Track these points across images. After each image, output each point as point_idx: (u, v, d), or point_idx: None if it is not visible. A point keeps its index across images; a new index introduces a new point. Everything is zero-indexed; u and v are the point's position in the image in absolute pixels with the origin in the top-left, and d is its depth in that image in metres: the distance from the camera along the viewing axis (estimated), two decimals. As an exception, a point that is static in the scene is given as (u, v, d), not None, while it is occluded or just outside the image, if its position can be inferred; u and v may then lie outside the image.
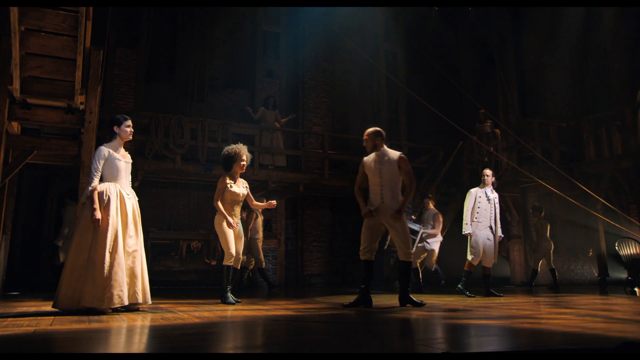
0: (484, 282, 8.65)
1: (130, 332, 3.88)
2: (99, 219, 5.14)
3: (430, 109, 11.25)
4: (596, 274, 12.45)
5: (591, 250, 12.93)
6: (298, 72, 15.30)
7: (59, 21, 7.86)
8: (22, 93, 8.18)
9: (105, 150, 5.49)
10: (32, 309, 5.81)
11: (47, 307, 6.05)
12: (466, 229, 8.66)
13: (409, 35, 15.50)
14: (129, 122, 5.75)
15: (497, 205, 8.78)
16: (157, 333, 3.81)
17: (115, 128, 5.64)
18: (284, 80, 15.17)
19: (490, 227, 8.61)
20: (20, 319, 4.74)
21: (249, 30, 14.94)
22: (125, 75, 12.89)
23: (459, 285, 8.66)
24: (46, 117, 8.80)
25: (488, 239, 8.58)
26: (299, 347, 3.22)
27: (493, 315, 5.49)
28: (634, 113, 10.93)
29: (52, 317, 4.73)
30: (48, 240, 12.11)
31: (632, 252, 10.96)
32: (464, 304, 6.87)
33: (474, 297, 8.22)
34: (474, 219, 8.62)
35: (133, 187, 11.75)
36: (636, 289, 10.43)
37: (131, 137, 5.76)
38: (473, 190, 8.75)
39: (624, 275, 11.35)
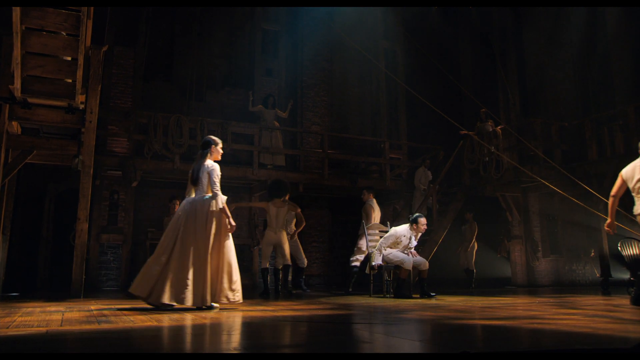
0: (420, 284, 8.70)
1: (143, 332, 3.81)
2: (234, 226, 6.07)
3: (431, 107, 11.21)
4: (598, 275, 12.43)
5: (593, 251, 12.90)
6: (297, 71, 15.22)
7: (60, 20, 7.80)
8: (23, 92, 8.11)
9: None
10: (38, 310, 5.74)
11: (51, 307, 6.00)
12: (376, 260, 8.77)
13: (408, 33, 15.45)
14: (221, 144, 6.45)
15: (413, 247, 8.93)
16: (170, 333, 3.76)
17: (213, 147, 6.29)
18: (283, 79, 15.08)
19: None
20: (28, 318, 4.72)
21: (247, 28, 14.85)
22: (123, 74, 12.78)
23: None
24: (47, 117, 8.74)
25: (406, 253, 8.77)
26: (314, 348, 3.18)
27: (500, 315, 5.46)
28: (637, 112, 10.90)
29: (60, 318, 4.68)
30: (47, 241, 12.02)
31: (634, 252, 10.91)
32: (468, 305, 6.82)
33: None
34: (387, 251, 8.74)
35: (131, 187, 11.76)
36: None
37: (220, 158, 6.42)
38: (400, 230, 8.77)
39: (626, 275, 11.31)
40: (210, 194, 6.06)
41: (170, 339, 3.59)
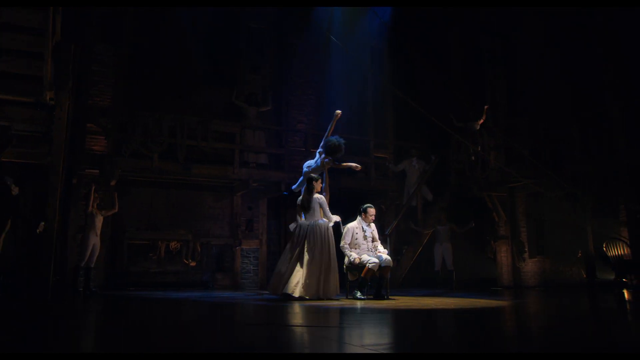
0: (379, 284, 8.39)
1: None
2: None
3: (415, 106, 11.01)
4: (584, 276, 12.27)
5: (580, 252, 12.69)
6: (283, 69, 15.01)
7: (27, 14, 7.63)
8: (-11, 88, 7.91)
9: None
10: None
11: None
12: (353, 257, 8.49)
13: (396, 31, 15.23)
14: (320, 180, 8.62)
15: (376, 235, 8.76)
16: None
17: (314, 183, 8.44)
18: (268, 76, 14.80)
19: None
20: None
21: (233, 25, 14.62)
22: (104, 72, 12.48)
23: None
24: (15, 114, 8.51)
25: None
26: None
27: (471, 317, 5.43)
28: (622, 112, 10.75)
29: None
30: (23, 242, 11.80)
31: (619, 253, 10.78)
32: (440, 306, 6.63)
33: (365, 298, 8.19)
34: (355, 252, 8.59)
35: (110, 185, 11.56)
36: (624, 291, 10.23)
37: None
38: (351, 225, 8.70)
39: (611, 276, 11.16)
40: (322, 218, 8.37)
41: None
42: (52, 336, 3.89)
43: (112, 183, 11.52)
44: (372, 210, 8.75)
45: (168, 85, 13.21)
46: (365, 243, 8.59)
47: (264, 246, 13.33)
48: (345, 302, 7.56)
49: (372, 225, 8.81)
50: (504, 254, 13.14)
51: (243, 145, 12.44)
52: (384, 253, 8.46)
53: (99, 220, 10.42)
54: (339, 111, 9.16)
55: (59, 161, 8.40)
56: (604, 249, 10.79)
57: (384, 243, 12.04)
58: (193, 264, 12.29)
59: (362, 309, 6.45)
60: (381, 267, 8.30)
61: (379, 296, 8.21)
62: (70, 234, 11.42)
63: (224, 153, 12.67)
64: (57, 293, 9.08)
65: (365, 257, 8.31)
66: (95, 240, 10.32)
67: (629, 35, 11.88)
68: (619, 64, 12.23)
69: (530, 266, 13.20)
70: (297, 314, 5.72)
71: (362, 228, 8.66)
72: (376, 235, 8.78)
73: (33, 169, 10.93)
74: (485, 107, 13.04)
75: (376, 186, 13.76)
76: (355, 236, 8.60)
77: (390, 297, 8.47)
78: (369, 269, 8.19)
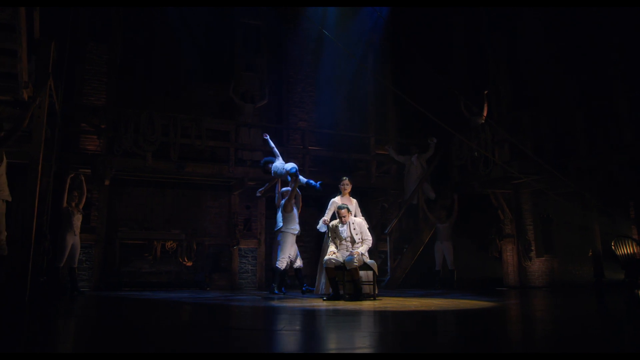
0: (354, 285, 8.11)
1: None
2: None
3: (413, 104, 10.65)
4: (595, 276, 11.75)
5: (590, 250, 12.16)
6: (281, 66, 14.79)
7: (-1, 10, 7.47)
8: (-37, 86, 7.81)
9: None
10: None
11: None
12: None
13: (398, 26, 14.88)
14: (346, 180, 9.45)
15: (360, 235, 8.32)
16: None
17: (339, 186, 9.40)
18: (265, 74, 14.52)
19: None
20: None
21: (227, 23, 14.38)
22: (97, 70, 12.40)
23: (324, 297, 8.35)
24: (-4, 112, 8.43)
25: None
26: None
27: (491, 319, 5.35)
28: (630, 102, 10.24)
29: None
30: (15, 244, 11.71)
31: (629, 251, 10.26)
32: (422, 307, 6.30)
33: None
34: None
35: (104, 185, 11.38)
36: (637, 292, 9.73)
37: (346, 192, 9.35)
38: (330, 225, 8.65)
39: (621, 276, 10.64)
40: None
41: None
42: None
43: (106, 183, 11.39)
44: (341, 212, 8.45)
45: (162, 84, 13.11)
46: (343, 243, 8.33)
47: (263, 246, 13.10)
48: (318, 304, 7.28)
49: (356, 223, 8.44)
50: (509, 253, 12.71)
51: (238, 144, 12.23)
52: (354, 254, 8.07)
53: (77, 219, 9.96)
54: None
55: (38, 158, 8.27)
56: (613, 247, 10.28)
57: (382, 242, 11.75)
58: (189, 263, 12.10)
59: (316, 310, 6.21)
60: (347, 268, 8.07)
61: (355, 297, 7.92)
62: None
63: (219, 151, 12.49)
64: (42, 294, 8.97)
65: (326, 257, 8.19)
66: (74, 240, 9.87)
67: (638, 24, 11.35)
68: (627, 54, 11.70)
69: (537, 266, 12.72)
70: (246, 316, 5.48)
71: (339, 228, 8.39)
72: (361, 236, 8.35)
73: (19, 168, 10.83)
74: (485, 92, 12.65)
75: (377, 184, 13.43)
76: (334, 235, 8.39)
77: (377, 297, 8.18)
78: (326, 268, 8.16)
